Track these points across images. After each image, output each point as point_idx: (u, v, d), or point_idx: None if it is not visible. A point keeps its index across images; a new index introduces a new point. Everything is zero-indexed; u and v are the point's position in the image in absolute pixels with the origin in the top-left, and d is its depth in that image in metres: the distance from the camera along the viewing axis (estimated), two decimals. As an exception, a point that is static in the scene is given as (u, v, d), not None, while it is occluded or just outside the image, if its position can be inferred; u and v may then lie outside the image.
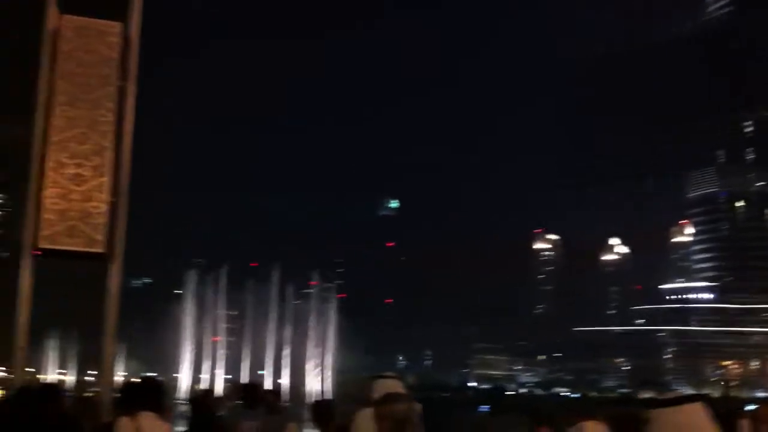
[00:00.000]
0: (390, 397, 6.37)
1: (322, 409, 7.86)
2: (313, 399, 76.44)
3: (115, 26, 11.21)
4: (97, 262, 12.08)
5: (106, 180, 11.39)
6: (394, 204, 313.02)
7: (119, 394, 7.66)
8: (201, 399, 8.67)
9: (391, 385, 7.21)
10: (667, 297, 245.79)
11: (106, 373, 11.98)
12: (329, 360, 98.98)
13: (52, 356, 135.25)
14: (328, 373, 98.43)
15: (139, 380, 7.37)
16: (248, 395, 8.63)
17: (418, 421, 7.11)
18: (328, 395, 78.56)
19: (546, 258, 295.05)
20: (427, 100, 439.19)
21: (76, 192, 11.34)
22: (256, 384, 8.99)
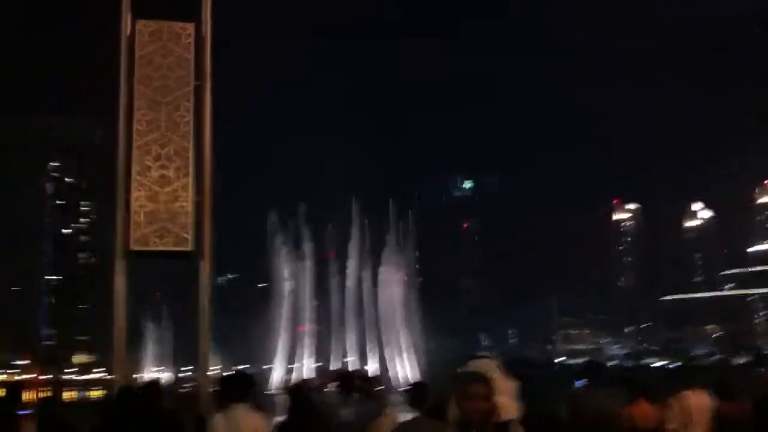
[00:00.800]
0: (468, 377, 6.32)
1: (417, 392, 7.83)
2: (404, 383, 77.09)
3: (188, 27, 11.39)
4: (187, 260, 12.34)
5: (189, 180, 11.60)
6: (468, 184, 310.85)
7: (215, 389, 7.80)
8: (298, 388, 8.74)
9: (484, 366, 7.17)
10: (755, 260, 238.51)
11: (201, 369, 12.23)
12: (413, 344, 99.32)
13: (147, 354, 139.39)
14: (414, 357, 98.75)
15: (232, 374, 7.49)
16: (342, 382, 8.66)
17: (516, 399, 7.06)
18: (417, 379, 78.75)
19: (626, 228, 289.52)
20: (498, 78, 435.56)
21: (162, 193, 11.60)
22: (349, 371, 9.02)
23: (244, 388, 7.49)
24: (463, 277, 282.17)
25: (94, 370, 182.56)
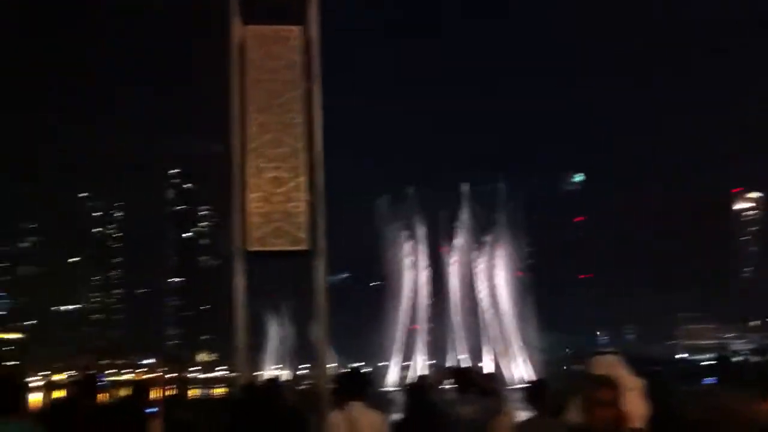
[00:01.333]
0: (596, 381, 6.06)
1: (536, 390, 7.61)
2: (519, 381, 76.22)
3: (295, 30, 11.49)
4: (302, 259, 12.49)
5: (303, 180, 11.73)
6: (579, 177, 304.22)
7: (333, 386, 7.81)
8: (417, 386, 8.67)
9: (610, 363, 6.90)
10: None
11: (320, 366, 12.35)
12: (527, 341, 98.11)
13: (267, 353, 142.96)
14: (528, 354, 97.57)
15: (348, 372, 7.49)
16: (460, 379, 8.52)
17: (644, 397, 6.76)
18: (533, 376, 77.68)
19: (749, 218, 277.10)
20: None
21: (277, 194, 11.78)
22: (468, 368, 8.87)
23: (361, 386, 7.47)
24: (576, 272, 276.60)
25: (217, 368, 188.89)
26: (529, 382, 8.04)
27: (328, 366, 12.43)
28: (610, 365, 6.84)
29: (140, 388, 8.40)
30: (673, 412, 8.12)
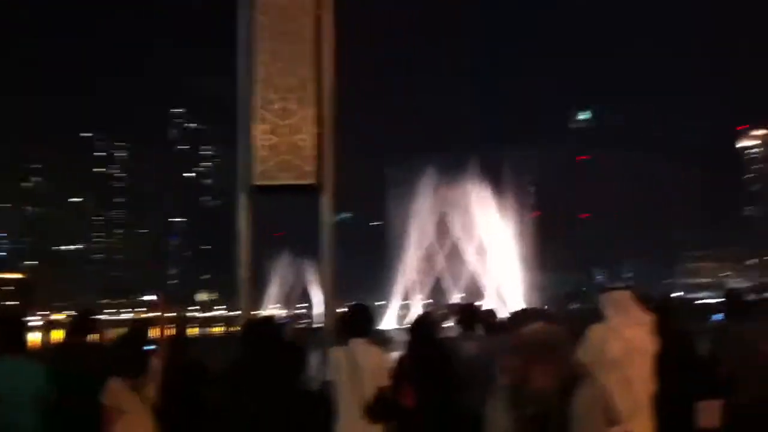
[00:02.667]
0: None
1: (518, 316, 7.54)
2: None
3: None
4: (309, 195, 12.27)
5: (311, 111, 11.44)
6: (585, 115, 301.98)
7: (336, 323, 7.72)
8: (421, 322, 8.57)
9: (622, 298, 6.80)
10: None
11: (327, 304, 12.25)
12: (527, 280, 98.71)
13: (267, 292, 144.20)
14: (528, 293, 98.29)
15: (351, 309, 7.37)
16: (465, 316, 8.42)
17: (653, 333, 6.66)
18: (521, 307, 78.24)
19: (753, 155, 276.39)
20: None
21: (283, 126, 11.49)
22: (471, 304, 8.77)
23: (364, 323, 7.34)
24: (578, 211, 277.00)
25: (216, 308, 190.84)
26: (513, 313, 7.98)
27: (325, 306, 12.31)
28: (622, 300, 6.75)
29: (138, 326, 8.27)
30: (686, 349, 8.03)
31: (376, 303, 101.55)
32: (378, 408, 6.78)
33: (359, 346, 7.00)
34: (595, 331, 6.66)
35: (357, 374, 6.78)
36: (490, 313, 8.74)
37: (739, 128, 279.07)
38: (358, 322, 7.26)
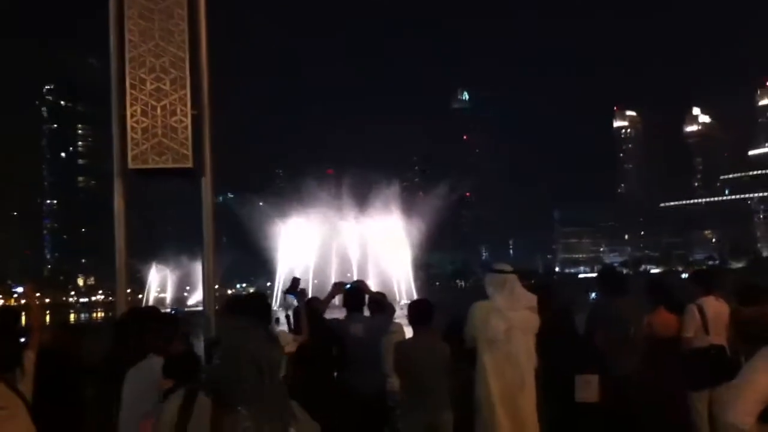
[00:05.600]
0: None
1: (420, 308, 7.51)
2: (406, 297, 77.76)
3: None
4: (187, 178, 11.86)
5: (187, 92, 11.01)
6: (467, 95, 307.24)
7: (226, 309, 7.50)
8: (308, 305, 8.43)
9: (506, 279, 6.86)
10: (756, 163, 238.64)
11: (208, 289, 11.90)
12: (412, 257, 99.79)
13: (150, 276, 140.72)
14: (413, 271, 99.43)
15: (245, 294, 7.18)
16: (353, 296, 8.34)
17: (536, 312, 6.81)
18: (415, 294, 79.29)
19: (627, 135, 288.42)
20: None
21: (158, 107, 11.01)
22: (359, 284, 8.68)
23: (257, 308, 7.18)
24: (463, 189, 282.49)
25: (100, 292, 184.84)
26: (412, 301, 7.95)
27: (206, 290, 11.96)
28: (506, 282, 6.84)
29: (6, 314, 7.74)
30: (568, 327, 8.23)
31: (267, 284, 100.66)
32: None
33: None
34: (479, 309, 6.74)
35: None
36: (377, 293, 8.66)
37: (616, 108, 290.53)
38: (252, 308, 7.14)
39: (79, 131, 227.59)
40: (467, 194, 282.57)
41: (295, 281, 8.12)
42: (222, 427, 2.76)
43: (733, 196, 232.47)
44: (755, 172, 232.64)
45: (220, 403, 2.80)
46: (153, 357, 5.88)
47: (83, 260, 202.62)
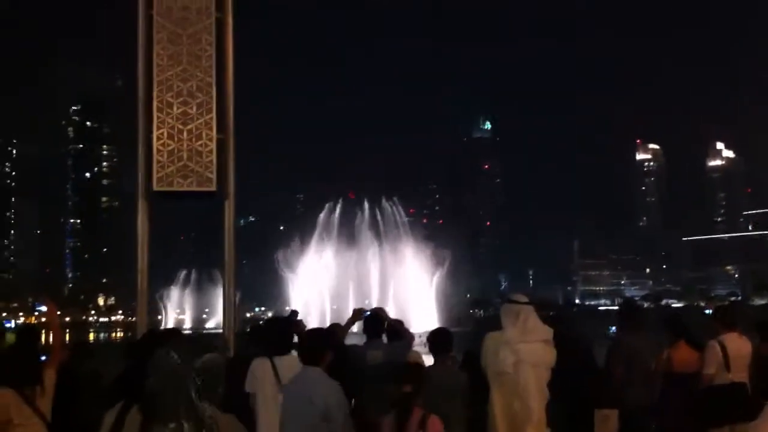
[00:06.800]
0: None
1: (440, 337, 7.50)
2: (425, 327, 77.10)
3: (207, -43, 10.87)
4: (210, 201, 11.99)
5: (212, 116, 11.16)
6: (488, 124, 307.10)
7: (250, 334, 7.53)
8: (329, 331, 8.44)
9: (521, 311, 6.80)
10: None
11: (227, 311, 11.97)
12: (432, 285, 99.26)
13: (169, 298, 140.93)
14: (433, 298, 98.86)
15: (268, 321, 7.21)
16: (372, 323, 8.34)
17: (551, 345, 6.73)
18: (439, 323, 78.79)
19: (649, 168, 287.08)
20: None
21: (185, 131, 11.17)
22: (378, 311, 8.68)
23: (281, 335, 7.22)
24: (483, 218, 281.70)
25: (118, 312, 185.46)
26: (433, 330, 7.94)
27: (225, 313, 12.02)
28: (521, 312, 6.76)
29: (27, 332, 7.78)
30: (586, 362, 8.18)
31: (287, 308, 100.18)
32: None
33: (284, 359, 6.94)
34: (490, 340, 6.71)
35: (281, 385, 6.72)
36: (396, 320, 8.65)
37: (639, 142, 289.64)
38: (280, 337, 7.16)
39: (104, 152, 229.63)
40: (487, 223, 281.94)
41: (293, 314, 8.17)
42: None
43: (756, 232, 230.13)
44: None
45: (148, 417, 3.12)
46: None
47: (104, 280, 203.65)
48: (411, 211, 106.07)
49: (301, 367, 6.17)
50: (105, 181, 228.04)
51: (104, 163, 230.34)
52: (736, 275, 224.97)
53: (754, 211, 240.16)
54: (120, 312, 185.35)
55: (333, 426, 5.64)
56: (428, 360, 7.61)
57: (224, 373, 6.14)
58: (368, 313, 8.54)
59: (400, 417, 5.70)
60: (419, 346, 8.55)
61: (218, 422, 3.27)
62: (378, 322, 8.26)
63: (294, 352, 7.21)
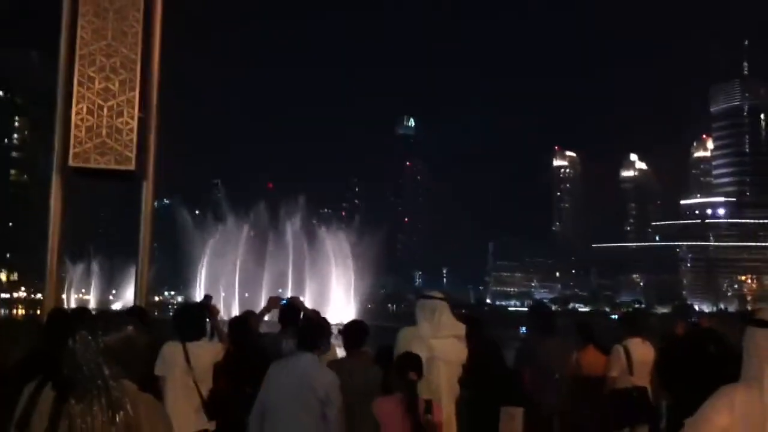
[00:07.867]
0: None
1: (354, 330, 7.51)
2: (339, 320, 76.97)
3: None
4: (128, 181, 11.69)
5: (135, 94, 10.88)
6: (411, 123, 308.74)
7: (173, 319, 7.45)
8: (242, 319, 8.37)
9: (437, 306, 6.86)
10: (686, 212, 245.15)
11: (139, 293, 11.75)
12: (347, 280, 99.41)
13: (75, 277, 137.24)
14: (348, 293, 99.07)
15: (185, 306, 7.13)
16: (287, 312, 8.30)
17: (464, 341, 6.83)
18: (354, 316, 78.85)
19: (564, 175, 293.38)
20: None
21: (105, 107, 10.86)
22: (294, 301, 8.65)
23: (196, 320, 7.15)
24: (402, 215, 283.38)
25: (22, 289, 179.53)
26: (348, 322, 7.94)
27: (137, 297, 11.80)
28: (437, 310, 6.81)
29: None
30: (498, 362, 8.32)
31: (199, 294, 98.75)
32: (214, 405, 6.78)
33: (197, 345, 6.87)
34: (403, 335, 6.75)
35: (191, 370, 6.66)
36: (314, 311, 8.62)
37: (557, 148, 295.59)
38: (193, 320, 7.08)
39: (16, 123, 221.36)
40: (405, 220, 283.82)
41: (207, 298, 8.09)
42: (59, 414, 3.16)
43: (663, 243, 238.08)
44: (685, 222, 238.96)
45: (61, 394, 3.20)
46: None
47: (7, 255, 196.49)
48: (327, 206, 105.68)
49: (297, 352, 6.25)
50: (15, 154, 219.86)
51: (15, 135, 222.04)
52: (642, 284, 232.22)
53: (661, 223, 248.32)
54: (22, 289, 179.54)
55: (329, 409, 6.02)
56: (341, 353, 7.60)
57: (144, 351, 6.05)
58: (284, 301, 8.50)
59: (410, 403, 5.94)
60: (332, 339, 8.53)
61: (135, 401, 3.27)
62: (293, 311, 8.22)
63: (205, 339, 7.12)
